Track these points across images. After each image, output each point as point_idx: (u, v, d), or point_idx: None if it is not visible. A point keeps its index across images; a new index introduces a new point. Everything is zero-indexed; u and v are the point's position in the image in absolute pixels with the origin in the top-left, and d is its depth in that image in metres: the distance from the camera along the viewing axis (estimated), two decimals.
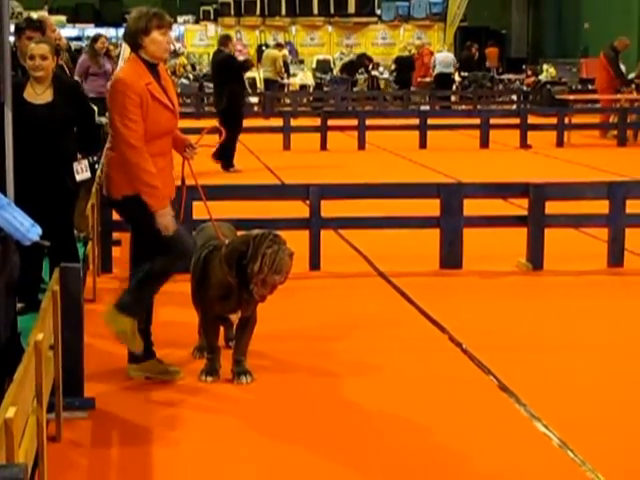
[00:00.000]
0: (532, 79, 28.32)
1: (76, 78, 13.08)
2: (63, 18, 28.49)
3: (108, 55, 14.53)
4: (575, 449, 4.88)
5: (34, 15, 9.50)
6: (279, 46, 27.18)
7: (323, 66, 29.91)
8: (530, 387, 5.79)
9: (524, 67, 30.31)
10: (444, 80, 27.12)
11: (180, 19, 31.25)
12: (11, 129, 5.56)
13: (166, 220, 5.55)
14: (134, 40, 5.63)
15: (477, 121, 19.15)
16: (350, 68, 29.88)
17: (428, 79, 27.82)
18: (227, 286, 5.72)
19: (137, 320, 5.70)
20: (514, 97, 27.71)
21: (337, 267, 8.68)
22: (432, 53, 28.65)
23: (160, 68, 5.75)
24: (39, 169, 6.77)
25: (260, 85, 27.66)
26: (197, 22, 32.63)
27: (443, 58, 27.41)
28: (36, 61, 6.80)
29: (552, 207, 8.78)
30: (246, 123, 17.48)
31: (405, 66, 28.37)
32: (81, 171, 6.94)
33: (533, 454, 4.87)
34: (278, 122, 18.28)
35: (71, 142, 6.99)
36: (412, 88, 27.66)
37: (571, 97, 23.12)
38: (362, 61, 30.19)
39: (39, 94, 6.86)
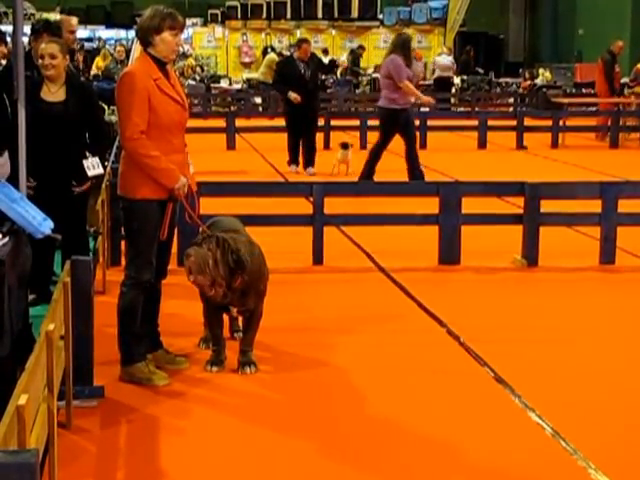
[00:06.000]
0: (528, 83, 28.48)
1: (404, 81, 12.39)
2: (75, 19, 28.60)
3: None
4: (567, 438, 4.95)
5: (55, 17, 9.49)
6: (280, 55, 27.23)
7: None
8: (524, 379, 5.86)
9: (521, 71, 30.44)
10: (443, 83, 27.27)
11: (188, 21, 31.36)
12: (24, 125, 5.60)
13: (183, 189, 5.71)
14: (145, 37, 5.67)
15: (475, 123, 19.29)
16: (354, 65, 30.02)
17: (427, 82, 27.99)
18: None
19: (143, 359, 5.81)
20: (511, 100, 27.84)
21: (339, 262, 8.77)
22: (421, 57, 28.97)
23: (168, 68, 5.80)
24: (52, 164, 6.89)
25: None
26: (205, 24, 32.70)
27: (443, 62, 27.59)
28: (45, 60, 6.90)
29: (547, 206, 8.88)
30: (251, 123, 17.60)
31: None
32: (92, 167, 7.02)
33: (527, 443, 4.93)
34: (283, 122, 18.33)
35: (82, 139, 7.11)
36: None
37: (566, 100, 23.32)
38: (357, 54, 30.35)
39: (53, 92, 6.97)
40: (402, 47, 13.06)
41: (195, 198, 5.90)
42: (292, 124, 14.96)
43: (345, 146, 14.50)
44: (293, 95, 14.49)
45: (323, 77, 28.77)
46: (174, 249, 6.24)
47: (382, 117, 13.19)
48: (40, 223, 5.04)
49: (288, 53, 28.40)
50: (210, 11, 32.74)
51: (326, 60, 29.12)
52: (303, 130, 14.85)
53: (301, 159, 15.03)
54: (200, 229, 5.92)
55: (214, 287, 5.71)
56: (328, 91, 27.99)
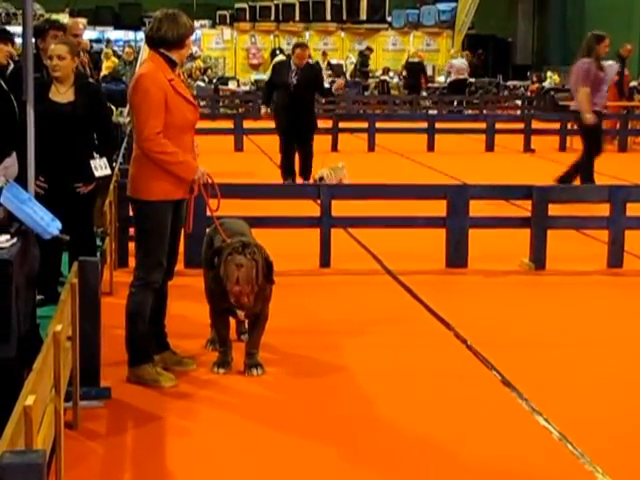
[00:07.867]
0: (536, 85, 28.51)
1: (584, 88, 11.99)
2: (84, 20, 28.78)
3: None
4: (574, 442, 4.94)
5: (64, 19, 9.50)
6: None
7: (336, 70, 30.05)
8: (531, 382, 5.86)
9: (529, 74, 30.43)
10: (459, 85, 27.37)
11: (197, 23, 31.43)
12: (33, 126, 5.60)
13: (203, 178, 5.75)
14: (181, 41, 5.68)
15: (483, 125, 19.34)
16: (362, 67, 30.05)
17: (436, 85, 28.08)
18: (220, 282, 5.80)
19: (150, 360, 5.81)
20: (519, 103, 27.90)
21: (346, 265, 8.77)
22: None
23: (176, 70, 5.84)
24: (60, 165, 6.92)
25: None
26: (213, 26, 32.77)
27: (459, 64, 27.67)
28: (54, 61, 6.94)
29: (554, 209, 8.89)
30: (258, 125, 17.56)
31: (415, 72, 28.50)
32: (100, 168, 7.05)
33: (534, 447, 4.92)
34: None
35: (90, 140, 7.14)
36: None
37: (573, 103, 23.25)
38: (365, 56, 30.36)
39: (62, 93, 7.01)
40: (589, 49, 12.57)
41: (217, 189, 5.88)
42: (279, 131, 13.90)
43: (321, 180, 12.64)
44: (263, 110, 13.86)
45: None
46: (180, 249, 6.25)
47: (580, 121, 12.80)
48: (48, 224, 5.04)
49: None
50: (218, 13, 32.80)
51: (328, 73, 29.02)
52: (294, 140, 13.66)
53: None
54: (211, 226, 5.92)
55: (249, 294, 5.76)
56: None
